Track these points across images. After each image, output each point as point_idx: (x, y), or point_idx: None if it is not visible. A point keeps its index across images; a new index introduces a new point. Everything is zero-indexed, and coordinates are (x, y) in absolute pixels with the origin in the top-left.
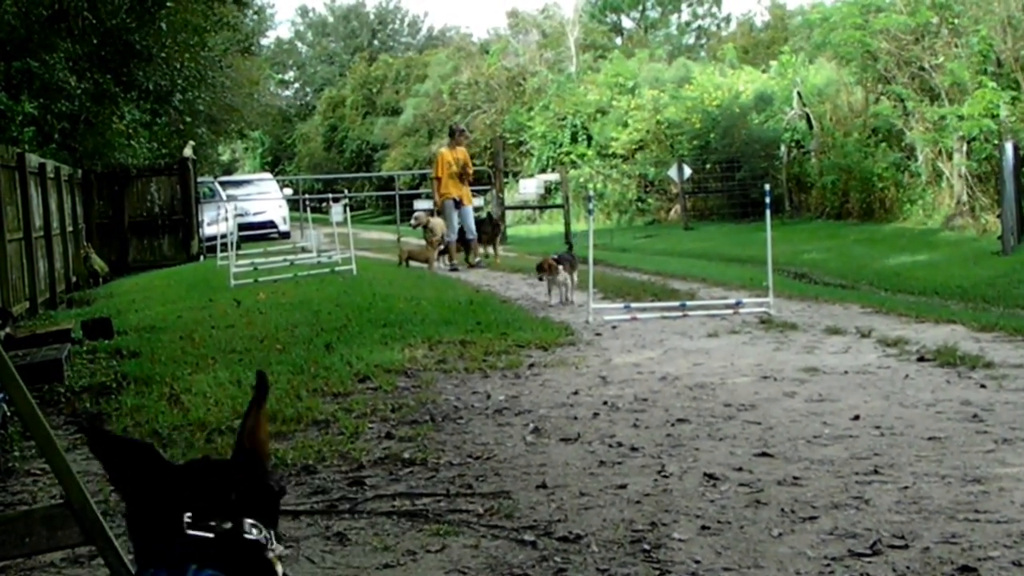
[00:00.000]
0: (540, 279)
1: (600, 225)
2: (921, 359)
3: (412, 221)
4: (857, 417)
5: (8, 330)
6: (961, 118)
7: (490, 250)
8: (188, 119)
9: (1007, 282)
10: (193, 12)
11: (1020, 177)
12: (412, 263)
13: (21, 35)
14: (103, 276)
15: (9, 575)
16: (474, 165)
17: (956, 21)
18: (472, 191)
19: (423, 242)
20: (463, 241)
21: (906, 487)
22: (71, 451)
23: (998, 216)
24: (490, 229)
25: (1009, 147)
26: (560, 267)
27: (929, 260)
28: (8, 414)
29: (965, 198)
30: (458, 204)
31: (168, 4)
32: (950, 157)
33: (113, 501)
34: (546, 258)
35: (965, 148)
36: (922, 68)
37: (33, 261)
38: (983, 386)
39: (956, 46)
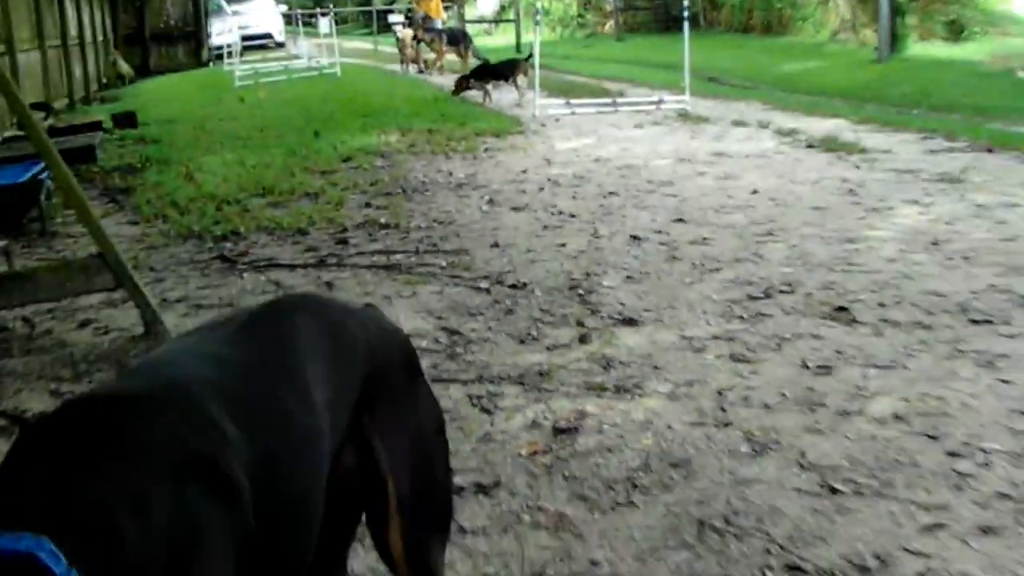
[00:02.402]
0: (471, 88)
1: (546, 37)
2: (809, 146)
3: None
4: (756, 191)
5: (50, 121)
6: None
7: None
8: None
9: (880, 84)
10: None
11: None
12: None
13: None
14: (129, 78)
15: (56, 314)
16: None
17: None
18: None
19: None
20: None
21: (794, 245)
22: (104, 218)
23: (875, 31)
24: (461, 38)
25: None
26: (470, 80)
27: (818, 67)
28: (51, 188)
29: (848, 16)
30: (426, 18)
31: None
32: None
33: (141, 255)
34: (459, 77)
35: None
36: None
37: (70, 64)
38: (858, 167)
39: None
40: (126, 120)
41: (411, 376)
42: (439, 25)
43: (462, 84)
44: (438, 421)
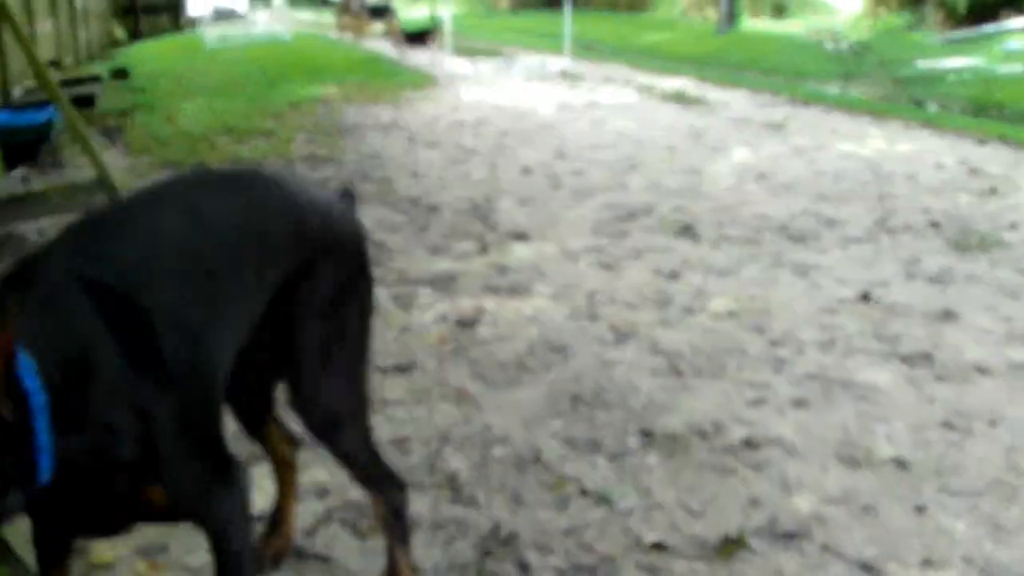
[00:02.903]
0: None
1: (455, 11)
2: (663, 99)
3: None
4: (621, 133)
5: (60, 74)
6: None
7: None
8: None
9: (720, 52)
10: None
11: None
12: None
13: None
14: (122, 42)
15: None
16: None
17: None
18: None
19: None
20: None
21: (650, 177)
22: (102, 151)
23: (717, 9)
24: (384, 12)
25: None
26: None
27: (671, 38)
28: (59, 128)
29: None
30: None
31: None
32: None
33: (131, 180)
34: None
35: None
36: None
37: (76, 31)
38: (702, 115)
39: None
40: (120, 74)
41: (352, 261)
42: (369, 1)
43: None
44: (364, 309)
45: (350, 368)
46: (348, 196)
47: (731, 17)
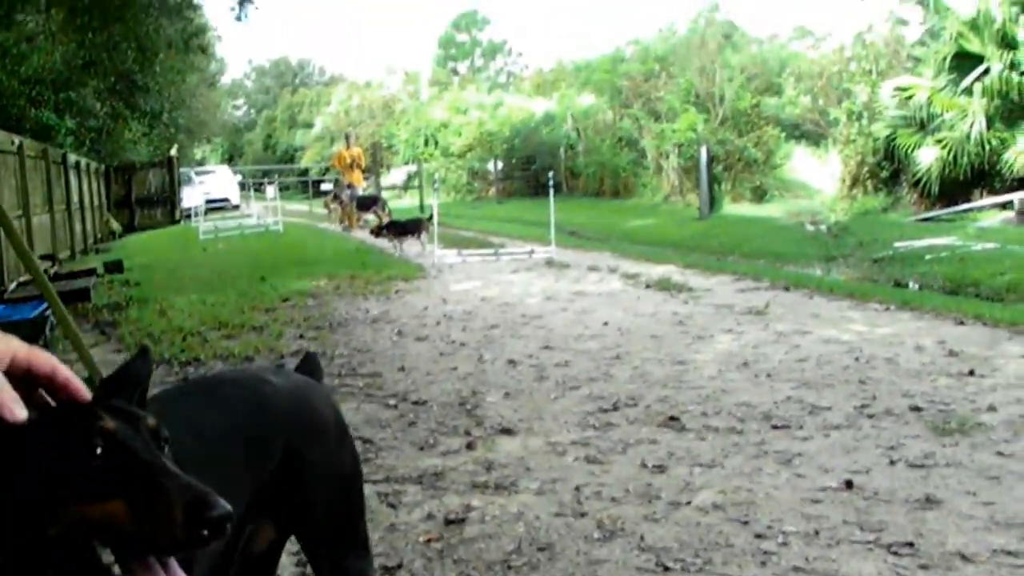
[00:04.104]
0: (383, 237)
1: (442, 200)
2: (648, 286)
3: (329, 200)
4: (607, 323)
5: (55, 268)
6: (674, 131)
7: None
8: (173, 131)
9: (702, 238)
10: (176, 60)
11: (711, 170)
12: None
13: (64, 75)
14: (118, 234)
15: None
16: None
17: (671, 68)
18: (363, 177)
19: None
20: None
21: (636, 366)
22: (94, 347)
23: (697, 195)
24: (373, 203)
25: (703, 150)
26: (382, 230)
27: (654, 223)
28: (53, 323)
29: (677, 183)
30: (350, 186)
31: (159, 55)
32: (667, 157)
33: None
34: (375, 225)
35: (677, 151)
36: (650, 99)
37: (72, 224)
38: (686, 303)
39: (670, 85)
40: (115, 267)
41: (333, 428)
42: (359, 192)
43: (377, 231)
44: (354, 466)
45: (356, 525)
46: (311, 362)
47: (712, 202)
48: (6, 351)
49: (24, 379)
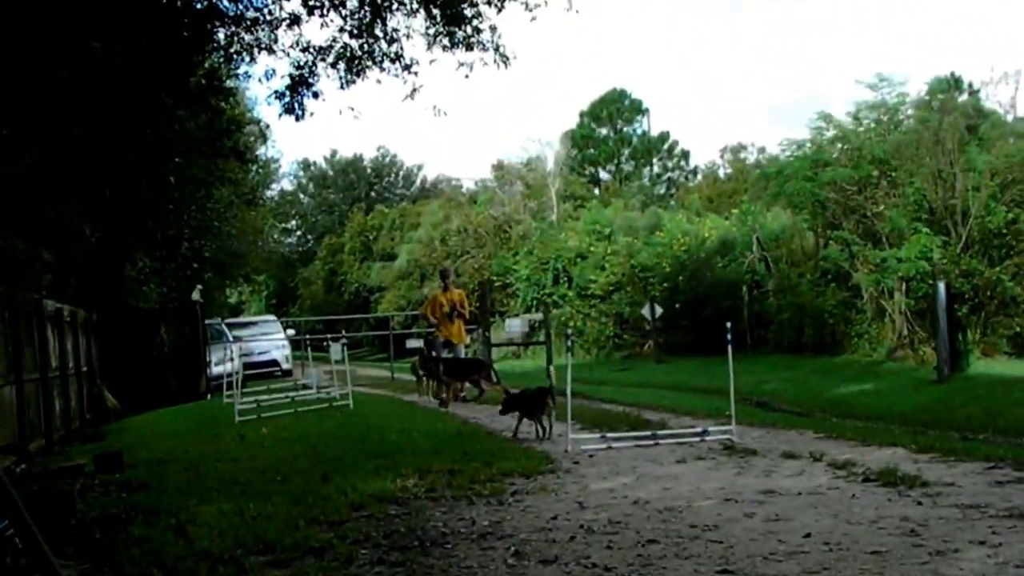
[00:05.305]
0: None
1: (579, 360)
2: (866, 480)
3: (419, 363)
4: (809, 535)
5: (22, 466)
6: (900, 260)
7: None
8: (196, 265)
9: (942, 408)
10: (199, 167)
11: (952, 313)
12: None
13: (37, 183)
14: (115, 412)
15: None
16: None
17: (893, 174)
18: (466, 330)
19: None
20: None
21: None
22: None
23: (934, 348)
24: (474, 368)
25: (941, 286)
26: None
27: (874, 388)
28: (18, 547)
29: (905, 332)
30: (447, 343)
31: (176, 159)
32: (891, 295)
33: None
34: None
35: (904, 287)
36: (865, 215)
37: (50, 400)
38: (920, 503)
39: (894, 196)
40: (110, 462)
41: None
42: (461, 352)
43: (507, 405)
44: None
45: None
46: None
47: (955, 357)
48: None
49: None
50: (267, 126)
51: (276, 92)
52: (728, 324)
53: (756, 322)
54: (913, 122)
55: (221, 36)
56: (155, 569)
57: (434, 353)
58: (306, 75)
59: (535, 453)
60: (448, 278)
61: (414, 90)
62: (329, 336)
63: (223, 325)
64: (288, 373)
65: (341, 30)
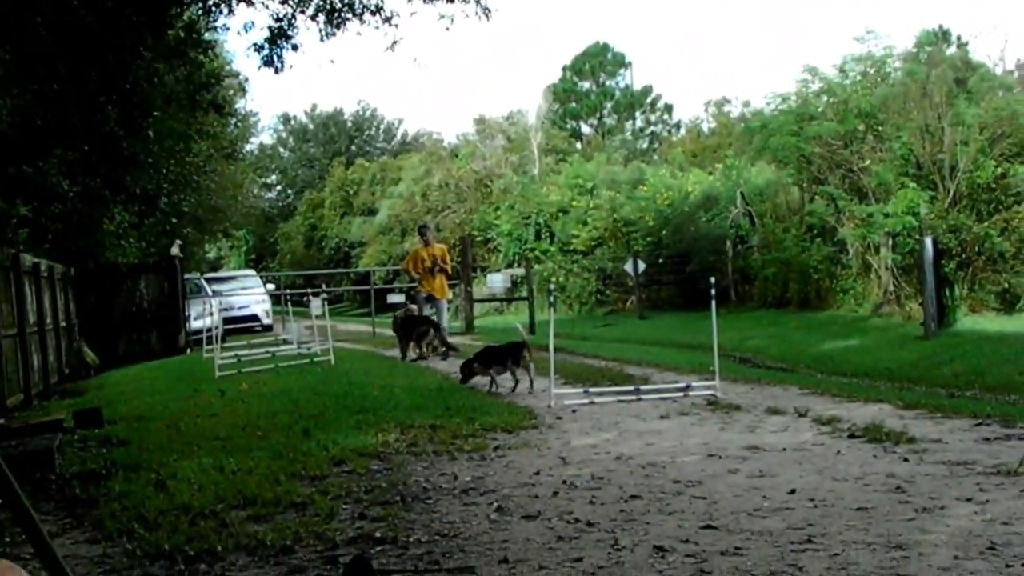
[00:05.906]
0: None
1: (562, 315)
2: (851, 436)
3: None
4: (793, 491)
5: (1, 421)
6: (886, 215)
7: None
8: (174, 220)
9: (929, 364)
10: (178, 120)
11: (939, 269)
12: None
13: (16, 140)
14: (94, 368)
15: None
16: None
17: (880, 128)
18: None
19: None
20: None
21: (836, 554)
22: (59, 536)
23: (920, 304)
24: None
25: (928, 242)
26: (473, 365)
27: (860, 344)
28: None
29: (891, 288)
30: (430, 298)
31: (154, 113)
32: (877, 251)
33: None
34: (463, 363)
35: (890, 242)
36: (851, 170)
37: (27, 355)
38: (906, 459)
39: (880, 151)
40: (90, 418)
41: None
42: (444, 306)
43: (467, 371)
44: None
45: None
46: (361, 569)
47: (942, 313)
48: None
49: None
50: (246, 79)
51: (255, 45)
52: (712, 279)
53: (740, 277)
54: (900, 75)
55: None
56: (135, 524)
57: (415, 307)
58: (285, 27)
59: (517, 408)
60: (427, 233)
61: (395, 42)
62: (310, 291)
63: (202, 280)
64: (269, 328)
65: None
